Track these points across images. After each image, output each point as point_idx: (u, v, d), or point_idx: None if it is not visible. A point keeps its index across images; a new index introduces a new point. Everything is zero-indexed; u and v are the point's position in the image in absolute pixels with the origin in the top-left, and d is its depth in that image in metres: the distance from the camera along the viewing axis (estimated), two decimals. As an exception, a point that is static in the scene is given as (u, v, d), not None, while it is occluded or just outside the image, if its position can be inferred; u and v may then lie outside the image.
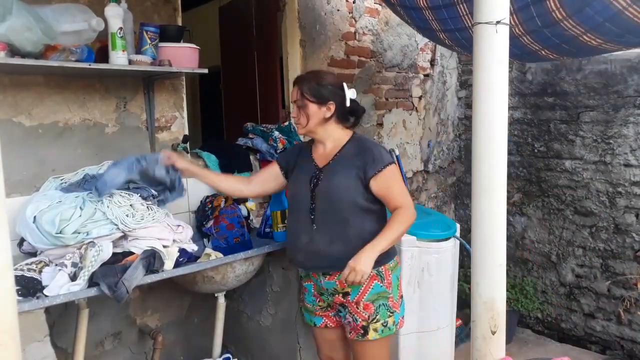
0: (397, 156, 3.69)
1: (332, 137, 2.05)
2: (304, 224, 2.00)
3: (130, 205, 1.98)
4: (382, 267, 1.99)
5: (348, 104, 2.02)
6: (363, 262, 1.82)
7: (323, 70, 2.06)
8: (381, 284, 1.99)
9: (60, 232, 1.81)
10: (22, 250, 1.97)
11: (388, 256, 2.00)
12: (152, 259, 1.90)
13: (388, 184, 1.94)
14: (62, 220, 1.83)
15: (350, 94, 2.03)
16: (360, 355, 2.07)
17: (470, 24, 2.44)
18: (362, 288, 1.98)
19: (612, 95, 3.40)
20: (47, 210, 1.86)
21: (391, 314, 2.00)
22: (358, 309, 1.99)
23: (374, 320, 1.98)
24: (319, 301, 2.12)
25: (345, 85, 2.04)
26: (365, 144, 2.03)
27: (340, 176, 1.97)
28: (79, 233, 1.84)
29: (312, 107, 1.99)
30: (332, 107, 1.99)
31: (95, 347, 2.39)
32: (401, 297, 2.09)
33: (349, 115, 2.06)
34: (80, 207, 1.88)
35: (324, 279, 2.04)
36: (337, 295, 2.04)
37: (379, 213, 2.01)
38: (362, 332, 1.99)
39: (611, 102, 3.41)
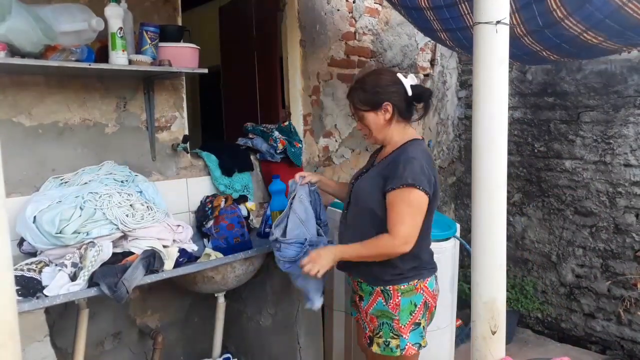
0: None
1: (392, 141, 1.94)
2: (342, 217, 2.05)
3: (130, 205, 1.98)
4: (390, 287, 1.88)
5: (410, 92, 1.88)
6: (322, 258, 1.81)
7: (371, 71, 1.93)
8: (385, 303, 1.90)
9: (60, 232, 1.81)
10: (22, 250, 1.97)
11: (401, 278, 1.88)
12: (152, 259, 1.90)
13: (393, 203, 1.78)
14: (62, 220, 1.83)
15: (409, 80, 1.89)
16: None
17: (471, 23, 2.44)
18: (371, 300, 1.94)
19: (612, 95, 3.40)
20: (47, 210, 1.86)
21: (396, 337, 1.89)
22: (366, 318, 1.97)
23: (377, 335, 1.93)
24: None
25: (400, 75, 1.90)
26: (404, 155, 1.84)
27: (368, 180, 1.92)
28: (79, 233, 1.84)
29: (369, 116, 1.91)
30: (390, 107, 1.88)
31: (96, 347, 2.39)
32: (416, 324, 1.91)
33: (415, 104, 1.93)
34: (80, 207, 1.88)
35: (345, 273, 2.09)
36: (355, 295, 2.07)
37: None
38: (369, 341, 1.96)
39: (611, 102, 3.41)
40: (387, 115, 1.88)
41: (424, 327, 1.94)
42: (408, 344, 1.88)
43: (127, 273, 1.81)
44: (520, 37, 2.37)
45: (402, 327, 1.88)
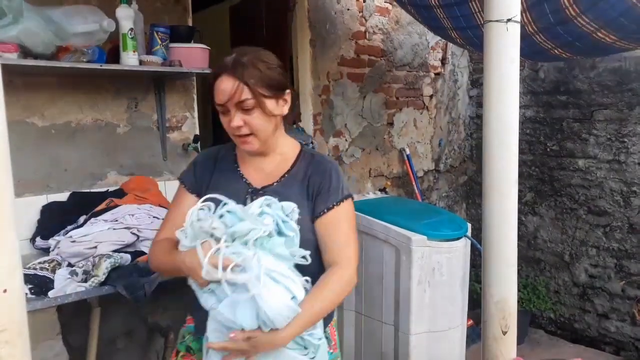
0: (408, 155, 3.69)
1: (281, 147, 1.42)
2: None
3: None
4: (329, 328, 1.44)
5: None
6: (261, 348, 1.18)
7: (258, 48, 1.43)
8: (331, 350, 1.41)
9: None
10: (36, 247, 1.99)
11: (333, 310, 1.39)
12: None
13: (336, 223, 1.34)
14: None
15: None
16: None
17: (482, 22, 2.41)
18: None
19: (627, 93, 3.36)
20: None
21: None
22: None
23: None
24: None
25: None
26: (322, 163, 1.41)
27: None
28: None
29: (269, 104, 1.30)
30: (289, 97, 1.37)
31: (108, 345, 2.41)
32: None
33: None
34: None
35: None
36: None
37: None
38: None
39: (625, 100, 3.36)
40: (285, 108, 1.36)
41: None
42: None
43: (151, 277, 1.78)
44: (531, 34, 2.35)
45: None
